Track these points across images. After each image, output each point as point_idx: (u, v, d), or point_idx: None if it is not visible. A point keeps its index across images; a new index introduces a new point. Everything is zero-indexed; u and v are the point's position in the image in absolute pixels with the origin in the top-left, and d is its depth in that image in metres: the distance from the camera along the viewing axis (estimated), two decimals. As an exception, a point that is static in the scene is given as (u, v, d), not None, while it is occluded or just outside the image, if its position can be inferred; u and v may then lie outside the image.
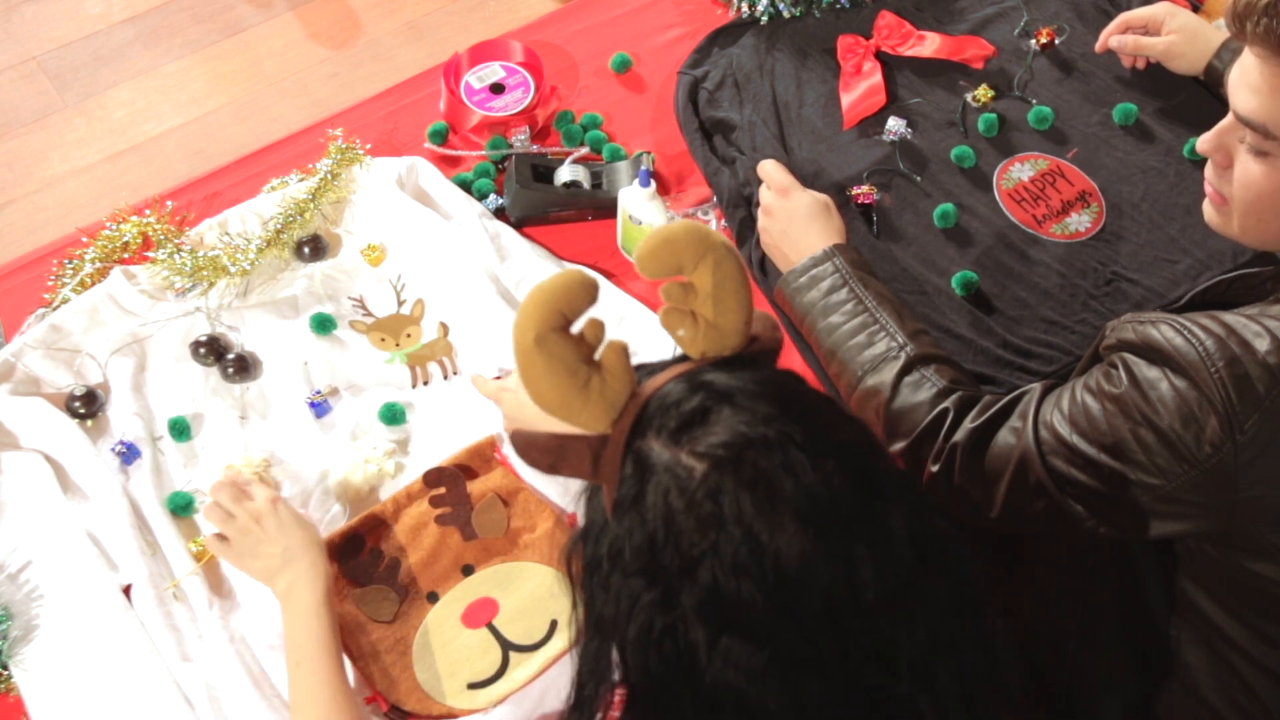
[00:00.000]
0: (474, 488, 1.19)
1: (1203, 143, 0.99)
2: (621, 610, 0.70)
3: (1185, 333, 0.92)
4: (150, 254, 1.32)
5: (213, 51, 2.62)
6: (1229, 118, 0.95)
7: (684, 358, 0.77)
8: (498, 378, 1.25)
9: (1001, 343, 1.30)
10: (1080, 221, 1.40)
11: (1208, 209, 1.03)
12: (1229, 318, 0.92)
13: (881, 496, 0.69)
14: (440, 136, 1.48)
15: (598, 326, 0.75)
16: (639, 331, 1.28)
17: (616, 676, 0.75)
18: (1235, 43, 1.39)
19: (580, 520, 0.78)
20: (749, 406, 0.69)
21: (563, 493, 1.20)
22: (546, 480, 1.20)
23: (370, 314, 1.33)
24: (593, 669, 0.75)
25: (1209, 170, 1.01)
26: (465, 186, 1.41)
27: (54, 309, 1.30)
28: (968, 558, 0.74)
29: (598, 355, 0.74)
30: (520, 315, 0.72)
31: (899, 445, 1.11)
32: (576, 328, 0.74)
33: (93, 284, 1.32)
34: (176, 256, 1.30)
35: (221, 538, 1.10)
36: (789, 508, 0.66)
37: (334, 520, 1.18)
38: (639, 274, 0.74)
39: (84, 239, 1.36)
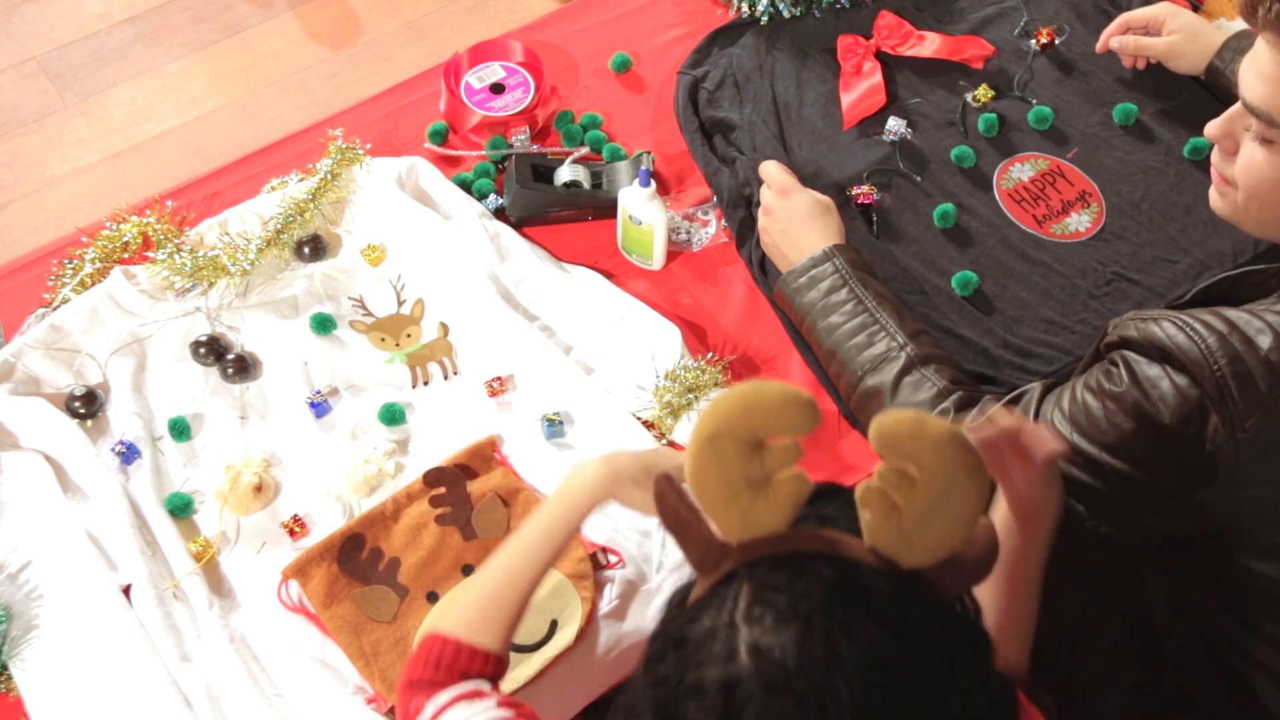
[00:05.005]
0: (474, 488, 1.19)
1: (1211, 128, 0.99)
2: (632, 692, 0.71)
3: (1188, 330, 0.92)
4: (150, 254, 1.32)
5: (213, 51, 2.62)
6: (1238, 104, 0.96)
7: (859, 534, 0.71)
8: (497, 381, 1.25)
9: (1001, 343, 1.30)
10: (1080, 221, 1.40)
11: (1213, 194, 1.03)
12: (1231, 313, 0.92)
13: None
14: (440, 136, 1.48)
15: (790, 452, 0.70)
16: (638, 330, 1.28)
17: None
18: (1236, 42, 1.40)
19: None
20: (830, 645, 0.64)
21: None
22: (547, 481, 1.20)
23: (370, 314, 1.33)
24: None
25: (1215, 155, 1.01)
26: (465, 186, 1.41)
27: (54, 309, 1.30)
28: None
29: (776, 476, 0.70)
30: (715, 405, 0.69)
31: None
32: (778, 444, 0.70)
33: (93, 284, 1.32)
34: (176, 256, 1.30)
35: None
36: None
37: (334, 520, 1.18)
38: (872, 440, 0.68)
39: (84, 239, 1.36)
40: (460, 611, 0.92)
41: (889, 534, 0.69)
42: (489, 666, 0.90)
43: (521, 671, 1.08)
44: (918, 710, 0.65)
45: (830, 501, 0.75)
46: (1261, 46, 0.92)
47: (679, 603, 0.74)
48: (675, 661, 0.68)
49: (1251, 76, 0.93)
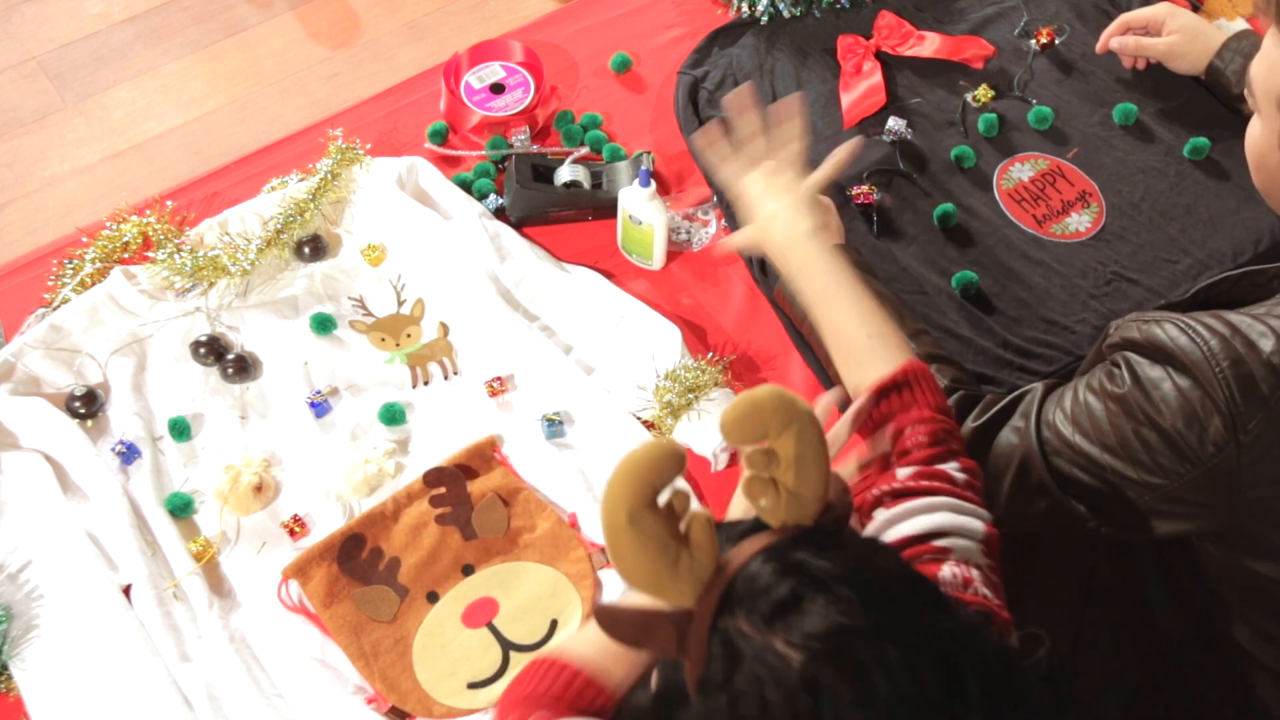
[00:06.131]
0: (474, 488, 1.19)
1: None
2: None
3: (1190, 332, 0.92)
4: (150, 254, 1.32)
5: (213, 51, 2.62)
6: None
7: (761, 524, 0.75)
8: (497, 381, 1.25)
9: (1001, 343, 1.30)
10: (1080, 221, 1.40)
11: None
12: (1234, 317, 0.92)
13: (964, 696, 0.67)
14: (440, 136, 1.48)
15: (684, 498, 0.74)
16: (638, 331, 1.28)
17: None
18: (1236, 42, 1.40)
19: (654, 679, 0.78)
20: (843, 594, 0.67)
21: (563, 494, 1.20)
22: (547, 481, 1.20)
23: (370, 314, 1.33)
24: None
25: None
26: (465, 186, 1.41)
27: (54, 309, 1.30)
28: None
29: (683, 526, 0.72)
30: (610, 490, 0.71)
31: (899, 445, 1.11)
32: (663, 498, 0.72)
33: (93, 284, 1.32)
34: (176, 256, 1.30)
35: None
36: (883, 705, 0.64)
37: (334, 520, 1.18)
38: (725, 439, 0.74)
39: (84, 239, 1.36)
40: (589, 641, 0.92)
41: (786, 504, 0.73)
42: (607, 706, 0.89)
43: (522, 672, 1.08)
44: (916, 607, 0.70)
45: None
46: (1270, 37, 0.93)
47: (678, 697, 0.73)
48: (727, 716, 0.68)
49: (1257, 56, 0.94)
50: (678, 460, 0.71)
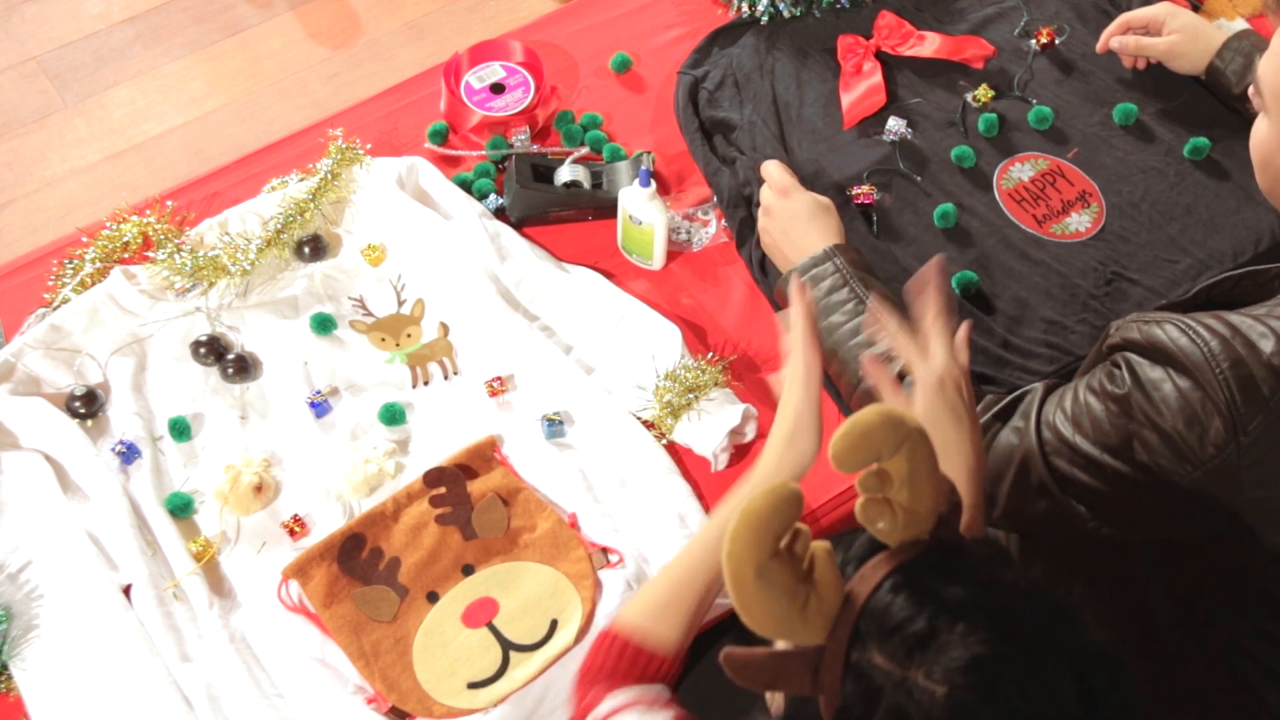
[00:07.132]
0: (474, 487, 1.19)
1: None
2: None
3: (1190, 333, 0.92)
4: (150, 254, 1.32)
5: (213, 51, 2.62)
6: None
7: (879, 544, 0.74)
8: (497, 381, 1.25)
9: (1001, 343, 1.30)
10: (1080, 221, 1.40)
11: None
12: (1234, 318, 0.92)
13: (1098, 710, 0.69)
14: (440, 136, 1.48)
15: (804, 536, 0.71)
16: (639, 330, 1.28)
17: None
18: (1236, 42, 1.40)
19: (772, 706, 0.78)
20: (979, 622, 0.68)
21: (563, 494, 1.20)
22: (547, 481, 1.20)
23: (370, 314, 1.33)
24: None
25: None
26: (465, 186, 1.41)
27: (54, 309, 1.30)
28: None
29: (805, 565, 0.71)
30: (735, 545, 0.68)
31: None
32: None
33: (93, 284, 1.32)
34: (176, 256, 1.30)
35: None
36: None
37: (334, 520, 1.18)
38: (834, 469, 0.71)
39: (84, 239, 1.36)
40: (642, 604, 0.95)
41: (904, 523, 0.72)
42: (663, 669, 0.91)
43: (521, 671, 1.08)
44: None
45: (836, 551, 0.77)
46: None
47: None
48: None
49: (1265, 55, 0.94)
50: (796, 503, 0.69)
